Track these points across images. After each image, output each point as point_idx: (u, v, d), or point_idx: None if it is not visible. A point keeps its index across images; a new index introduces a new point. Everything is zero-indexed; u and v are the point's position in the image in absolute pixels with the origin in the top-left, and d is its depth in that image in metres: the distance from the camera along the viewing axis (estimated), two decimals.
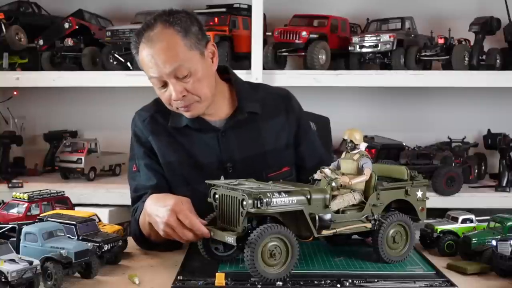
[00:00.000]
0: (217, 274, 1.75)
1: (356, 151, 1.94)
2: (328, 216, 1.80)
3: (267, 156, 2.35)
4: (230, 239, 1.74)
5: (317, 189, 1.85)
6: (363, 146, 1.94)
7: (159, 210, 1.98)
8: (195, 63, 2.16)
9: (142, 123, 2.36)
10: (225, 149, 2.31)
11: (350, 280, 1.75)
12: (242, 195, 1.73)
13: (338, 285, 1.73)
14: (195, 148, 2.31)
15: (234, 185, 1.81)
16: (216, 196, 1.84)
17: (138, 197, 2.29)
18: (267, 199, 1.71)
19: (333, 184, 1.85)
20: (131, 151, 2.41)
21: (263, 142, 2.35)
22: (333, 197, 1.87)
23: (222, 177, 1.93)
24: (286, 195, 1.76)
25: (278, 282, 1.72)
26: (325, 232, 1.81)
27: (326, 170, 1.90)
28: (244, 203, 1.72)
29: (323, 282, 1.75)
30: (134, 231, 2.24)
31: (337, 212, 1.86)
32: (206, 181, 1.89)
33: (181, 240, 1.95)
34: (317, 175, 1.94)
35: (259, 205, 1.71)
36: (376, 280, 1.77)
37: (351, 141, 1.94)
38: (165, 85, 2.17)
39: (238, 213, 1.75)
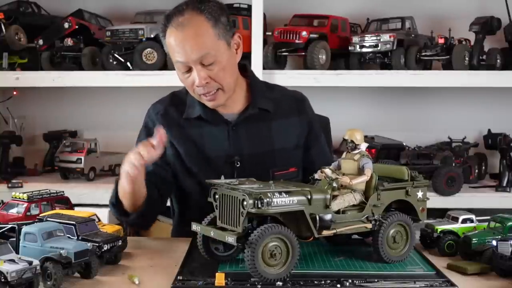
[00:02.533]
0: (217, 274, 1.75)
1: (356, 151, 1.93)
2: (328, 217, 1.80)
3: (275, 154, 2.38)
4: (231, 239, 1.74)
5: (317, 189, 1.84)
6: (363, 146, 1.94)
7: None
8: (222, 53, 2.22)
9: (156, 115, 2.41)
10: (234, 143, 2.34)
11: (350, 280, 1.75)
12: (243, 195, 1.73)
13: (338, 285, 1.72)
14: (204, 140, 2.35)
15: (234, 185, 1.81)
16: (216, 196, 1.84)
17: None
18: (267, 199, 1.71)
19: (334, 184, 1.85)
20: (138, 138, 2.45)
21: (272, 140, 2.38)
22: (334, 197, 1.86)
23: (222, 177, 1.93)
24: (287, 195, 1.76)
25: (278, 282, 1.72)
26: (325, 233, 1.81)
27: (327, 170, 1.90)
28: (245, 203, 1.72)
29: (323, 282, 1.74)
30: (110, 199, 2.27)
31: (338, 212, 1.86)
32: (207, 181, 1.90)
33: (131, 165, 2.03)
34: (317, 175, 1.94)
35: (259, 205, 1.70)
36: (376, 280, 1.76)
37: (352, 141, 1.94)
38: (189, 70, 2.22)
39: (239, 213, 1.75)
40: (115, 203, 2.25)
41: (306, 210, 1.77)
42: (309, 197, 1.79)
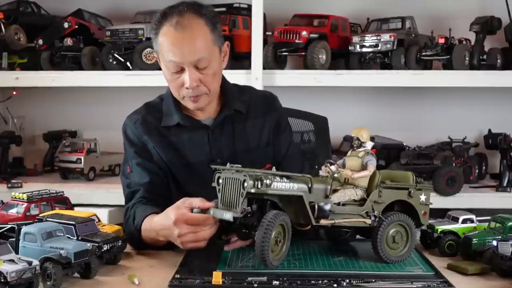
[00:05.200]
0: (214, 272, 1.75)
1: (362, 149, 1.94)
2: (327, 206, 1.82)
3: (252, 153, 2.40)
4: (228, 215, 1.77)
5: (318, 179, 1.87)
6: (369, 145, 1.96)
7: (168, 228, 1.98)
8: (215, 58, 2.23)
9: (134, 124, 2.39)
10: (214, 146, 2.36)
11: (347, 280, 1.75)
12: (244, 175, 1.76)
13: (335, 285, 1.72)
14: (186, 147, 2.35)
15: (238, 168, 1.83)
16: (220, 180, 1.85)
17: (132, 193, 2.32)
18: (267, 181, 1.73)
19: (335, 175, 1.87)
20: (125, 154, 2.44)
21: (247, 139, 2.41)
22: (335, 190, 1.88)
23: (228, 164, 1.94)
24: (287, 180, 1.79)
25: (275, 282, 1.72)
26: (323, 222, 1.82)
27: (332, 167, 1.92)
28: (245, 184, 1.74)
29: (320, 281, 1.74)
30: (130, 235, 2.18)
31: (338, 205, 1.87)
32: (212, 165, 1.91)
33: (205, 241, 1.95)
34: (322, 171, 1.94)
35: (259, 186, 1.73)
36: (373, 280, 1.76)
37: (358, 138, 1.95)
38: (180, 71, 2.21)
39: (239, 194, 1.77)
40: (138, 241, 2.18)
41: (305, 197, 1.79)
42: (309, 185, 1.81)
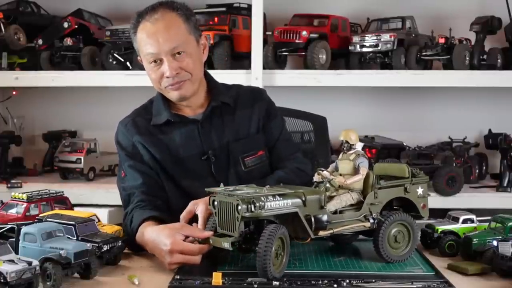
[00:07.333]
0: (214, 273, 1.75)
1: (352, 151, 1.94)
2: (324, 217, 1.82)
3: (242, 142, 2.43)
4: (226, 244, 1.78)
5: (311, 191, 1.86)
6: (359, 146, 1.95)
7: (160, 251, 1.96)
8: (192, 47, 2.31)
9: (125, 127, 2.43)
10: (205, 139, 2.39)
11: (347, 280, 1.75)
12: (237, 200, 1.75)
13: (335, 285, 1.72)
14: (176, 143, 2.38)
15: (230, 191, 1.82)
16: (215, 203, 1.84)
17: (128, 196, 2.34)
18: (260, 203, 1.72)
19: (327, 185, 1.86)
20: (119, 159, 2.48)
21: (237, 129, 2.44)
22: (331, 198, 1.87)
23: (221, 184, 1.94)
24: (281, 198, 1.78)
25: (275, 282, 1.72)
26: (322, 233, 1.82)
27: (324, 172, 1.91)
28: (239, 208, 1.74)
29: (320, 282, 1.74)
30: (129, 239, 2.15)
31: (335, 212, 1.86)
32: (206, 189, 1.90)
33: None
34: (315, 178, 1.94)
35: (253, 209, 1.72)
36: (373, 281, 1.76)
37: (347, 141, 1.95)
38: (160, 62, 2.28)
39: (234, 218, 1.77)
40: (134, 243, 2.16)
41: (300, 212, 1.78)
42: (303, 198, 1.80)
